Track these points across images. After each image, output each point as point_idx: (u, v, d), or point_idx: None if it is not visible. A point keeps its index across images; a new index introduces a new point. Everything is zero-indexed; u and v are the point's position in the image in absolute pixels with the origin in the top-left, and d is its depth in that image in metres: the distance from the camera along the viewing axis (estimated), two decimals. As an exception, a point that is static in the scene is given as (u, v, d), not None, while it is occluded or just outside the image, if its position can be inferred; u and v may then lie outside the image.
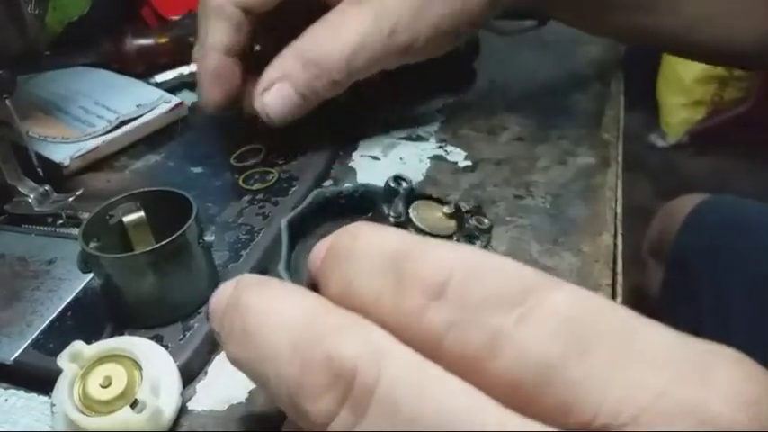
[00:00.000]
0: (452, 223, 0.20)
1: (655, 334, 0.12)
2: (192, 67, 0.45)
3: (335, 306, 0.13)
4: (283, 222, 0.20)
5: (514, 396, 0.12)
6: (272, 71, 0.33)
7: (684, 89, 1.51)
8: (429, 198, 0.20)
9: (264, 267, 0.31)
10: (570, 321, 0.12)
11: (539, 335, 0.12)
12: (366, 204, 0.21)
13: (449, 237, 0.19)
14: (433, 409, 0.11)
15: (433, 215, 0.20)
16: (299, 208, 0.20)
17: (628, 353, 0.11)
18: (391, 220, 0.19)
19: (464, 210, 0.20)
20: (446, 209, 0.20)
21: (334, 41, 0.32)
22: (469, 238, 0.20)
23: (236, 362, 0.15)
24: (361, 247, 0.14)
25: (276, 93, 0.33)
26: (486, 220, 0.20)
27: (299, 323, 0.13)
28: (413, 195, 0.20)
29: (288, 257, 0.19)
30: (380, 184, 0.36)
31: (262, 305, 0.14)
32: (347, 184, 0.22)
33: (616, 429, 0.11)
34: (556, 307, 0.12)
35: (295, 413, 0.13)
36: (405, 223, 0.19)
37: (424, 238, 0.14)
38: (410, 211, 0.19)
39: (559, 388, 0.11)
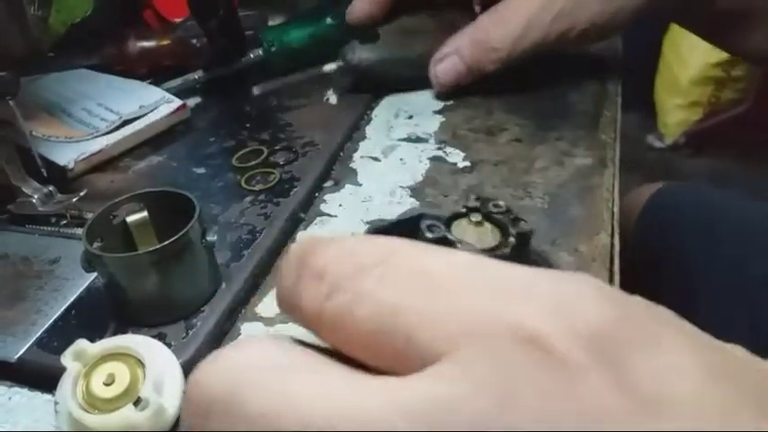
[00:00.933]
0: (488, 229, 0.20)
1: (492, 270, 0.13)
2: (199, 73, 0.46)
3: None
4: None
5: (371, 345, 0.13)
6: (446, 47, 0.40)
7: (681, 90, 1.51)
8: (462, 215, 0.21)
9: (265, 267, 0.31)
10: (418, 273, 0.13)
11: (389, 288, 0.13)
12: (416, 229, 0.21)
13: (498, 246, 0.20)
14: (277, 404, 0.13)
15: (469, 230, 0.20)
16: None
17: (463, 289, 0.13)
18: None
19: (493, 211, 0.21)
20: (473, 217, 0.20)
21: (503, 25, 0.38)
22: (520, 237, 0.20)
23: None
24: (286, 260, 0.16)
25: (448, 63, 0.40)
26: (500, 203, 0.21)
27: None
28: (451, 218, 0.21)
29: None
30: (382, 186, 0.36)
31: None
32: (398, 216, 0.22)
33: (443, 356, 0.12)
34: (408, 264, 0.14)
35: None
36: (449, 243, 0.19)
37: (328, 237, 0.16)
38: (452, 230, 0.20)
39: (404, 330, 0.13)
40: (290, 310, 0.15)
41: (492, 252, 0.20)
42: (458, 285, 0.13)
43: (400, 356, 0.12)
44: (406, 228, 0.22)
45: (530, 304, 0.12)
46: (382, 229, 0.22)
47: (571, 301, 0.12)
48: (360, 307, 0.13)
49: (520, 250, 0.20)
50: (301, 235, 0.33)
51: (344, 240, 0.15)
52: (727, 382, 0.11)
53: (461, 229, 0.21)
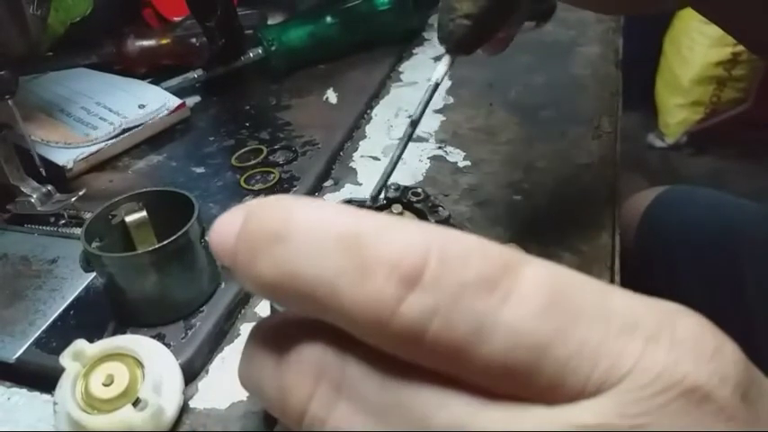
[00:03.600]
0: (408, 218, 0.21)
1: (622, 299, 0.12)
2: (199, 72, 0.46)
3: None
4: None
5: (508, 380, 0.11)
6: None
7: (683, 90, 1.51)
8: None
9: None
10: (552, 297, 0.12)
11: (526, 314, 0.11)
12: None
13: None
14: (417, 416, 0.11)
15: None
16: None
17: (605, 322, 0.12)
18: None
19: (413, 200, 0.21)
20: (394, 209, 0.21)
21: None
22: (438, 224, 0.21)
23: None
24: (299, 225, 0.12)
25: None
26: (419, 191, 0.21)
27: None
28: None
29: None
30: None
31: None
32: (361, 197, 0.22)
33: (597, 392, 0.11)
34: (534, 283, 0.12)
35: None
36: None
37: (372, 213, 0.12)
38: None
39: (551, 366, 0.11)
40: (327, 308, 0.12)
41: None
42: (590, 313, 0.12)
43: (545, 389, 0.11)
44: None
45: (677, 346, 0.12)
46: None
47: (702, 340, 0.12)
48: (491, 334, 0.11)
49: None
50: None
51: (417, 230, 0.12)
52: None
53: None
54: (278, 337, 0.14)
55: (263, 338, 0.14)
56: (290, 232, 0.12)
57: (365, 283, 0.11)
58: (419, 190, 0.21)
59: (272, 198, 0.13)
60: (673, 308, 0.13)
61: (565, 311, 0.12)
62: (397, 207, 0.21)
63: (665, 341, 0.12)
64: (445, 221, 0.21)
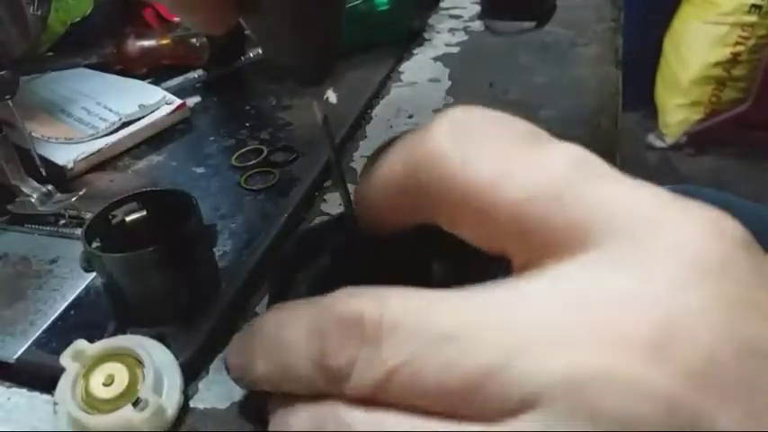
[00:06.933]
0: None
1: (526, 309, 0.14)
2: (199, 72, 0.46)
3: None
4: (271, 272, 0.22)
5: (457, 402, 0.13)
6: None
7: (682, 90, 1.51)
8: None
9: (265, 267, 0.31)
10: (496, 327, 0.14)
11: (475, 352, 0.13)
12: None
13: None
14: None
15: None
16: (283, 253, 0.22)
17: (536, 338, 0.13)
18: None
19: None
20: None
21: None
22: None
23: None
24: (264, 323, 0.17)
25: None
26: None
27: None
28: None
29: (272, 301, 0.20)
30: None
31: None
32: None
33: (532, 406, 0.13)
34: (480, 323, 0.14)
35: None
36: None
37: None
38: None
39: (497, 391, 0.13)
40: (306, 375, 0.16)
41: None
42: (528, 335, 0.13)
43: (487, 410, 0.13)
44: (334, 229, 0.23)
45: (626, 351, 0.12)
46: (311, 233, 0.23)
47: (674, 337, 0.12)
48: (451, 374, 0.13)
49: None
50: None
51: (378, 296, 0.15)
52: None
53: None
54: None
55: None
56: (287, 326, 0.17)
57: (341, 347, 0.15)
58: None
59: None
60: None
61: (502, 341, 0.13)
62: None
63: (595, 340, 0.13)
64: None
